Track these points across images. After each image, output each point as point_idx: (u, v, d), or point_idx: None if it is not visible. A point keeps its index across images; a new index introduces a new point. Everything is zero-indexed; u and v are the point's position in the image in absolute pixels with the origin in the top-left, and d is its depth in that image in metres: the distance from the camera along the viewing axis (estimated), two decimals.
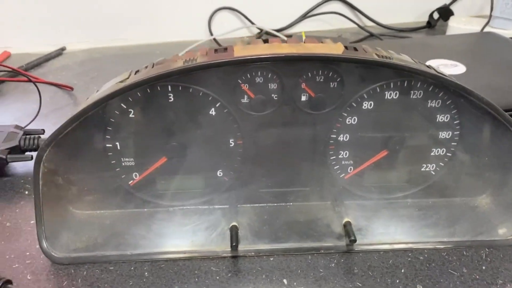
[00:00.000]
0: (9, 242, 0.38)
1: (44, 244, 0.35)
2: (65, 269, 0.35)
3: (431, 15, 0.91)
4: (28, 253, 0.37)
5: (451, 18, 0.86)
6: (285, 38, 0.39)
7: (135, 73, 0.36)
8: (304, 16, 0.88)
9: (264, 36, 0.82)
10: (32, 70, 0.71)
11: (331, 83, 0.36)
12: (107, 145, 0.37)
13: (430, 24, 0.90)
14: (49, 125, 0.54)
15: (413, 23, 0.92)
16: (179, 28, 0.83)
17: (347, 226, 0.37)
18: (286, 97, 0.36)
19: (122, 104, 0.36)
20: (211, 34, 0.82)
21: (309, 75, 0.35)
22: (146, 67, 0.37)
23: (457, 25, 0.82)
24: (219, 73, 0.35)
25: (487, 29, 0.79)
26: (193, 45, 0.78)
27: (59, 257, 0.36)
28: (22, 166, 0.47)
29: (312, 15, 0.88)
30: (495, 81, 0.53)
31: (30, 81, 0.54)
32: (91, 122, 0.35)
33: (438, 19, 0.91)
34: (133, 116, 0.36)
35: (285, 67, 0.35)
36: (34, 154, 0.46)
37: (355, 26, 0.89)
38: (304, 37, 0.54)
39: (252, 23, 0.85)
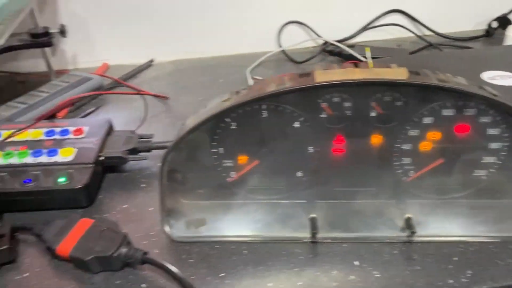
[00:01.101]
0: (137, 224, 0.48)
1: (166, 227, 0.46)
2: (182, 246, 0.45)
3: (489, 25, 0.94)
4: (152, 233, 0.47)
5: (509, 27, 0.89)
6: (369, 63, 0.46)
7: (236, 94, 0.46)
8: (365, 28, 0.95)
9: (330, 47, 0.89)
10: (129, 81, 0.82)
11: (397, 102, 0.43)
12: (213, 150, 0.47)
13: (489, 33, 0.94)
14: (151, 130, 0.65)
15: (471, 31, 0.96)
16: (251, 41, 0.92)
17: (408, 221, 0.45)
18: (358, 113, 0.44)
19: (226, 119, 0.45)
20: (280, 46, 0.91)
21: (378, 95, 0.43)
22: (245, 89, 0.46)
23: None
24: (304, 95, 0.43)
25: None
26: (263, 57, 0.88)
27: (177, 237, 0.46)
28: (135, 164, 0.58)
29: (373, 27, 0.95)
30: None
31: (138, 93, 0.65)
32: (203, 132, 0.45)
33: (497, 28, 0.94)
34: (235, 127, 0.45)
35: (358, 90, 0.43)
36: (147, 154, 0.57)
37: (414, 35, 0.95)
38: (368, 51, 0.62)
39: (318, 35, 0.93)
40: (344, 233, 0.45)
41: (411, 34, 0.95)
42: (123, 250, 0.42)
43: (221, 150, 0.47)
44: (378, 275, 0.41)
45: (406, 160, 0.46)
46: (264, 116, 0.45)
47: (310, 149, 0.46)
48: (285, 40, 0.92)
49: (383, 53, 0.83)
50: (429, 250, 0.43)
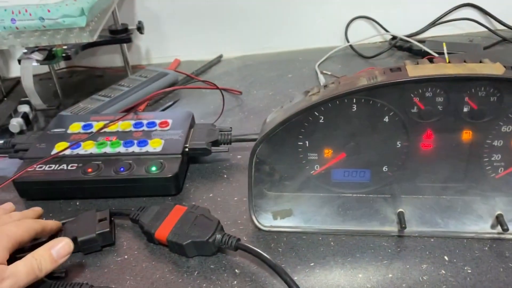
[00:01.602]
0: (224, 212, 0.50)
1: (253, 216, 0.47)
2: (270, 235, 0.47)
3: None
4: (239, 221, 0.49)
5: None
6: (446, 58, 0.46)
7: (324, 88, 0.47)
8: (435, 23, 0.93)
9: (399, 42, 0.88)
10: (200, 76, 0.85)
11: (491, 98, 0.43)
12: (299, 143, 0.48)
13: None
14: (227, 123, 0.67)
15: None
16: (318, 36, 0.93)
17: (499, 218, 0.44)
18: (451, 108, 0.44)
19: (315, 112, 0.46)
20: (348, 41, 0.91)
21: (473, 91, 0.43)
22: (333, 83, 0.47)
23: None
24: (396, 89, 0.44)
25: None
26: (331, 52, 0.88)
27: (265, 226, 0.48)
28: (216, 156, 0.60)
29: (443, 22, 0.93)
30: None
31: (216, 88, 0.67)
32: (291, 125, 0.46)
33: None
34: (323, 121, 0.46)
35: (452, 85, 0.43)
36: (228, 146, 0.59)
37: (486, 30, 0.92)
38: (445, 46, 0.61)
39: (386, 30, 0.92)
40: (432, 228, 0.45)
41: (483, 29, 0.92)
42: (218, 236, 0.44)
43: (307, 143, 0.48)
44: (470, 271, 0.41)
45: (496, 157, 0.46)
46: (353, 110, 0.45)
47: (398, 144, 0.47)
48: (352, 35, 0.92)
49: (456, 48, 0.81)
50: None
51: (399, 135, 0.46)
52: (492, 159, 0.46)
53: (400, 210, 0.46)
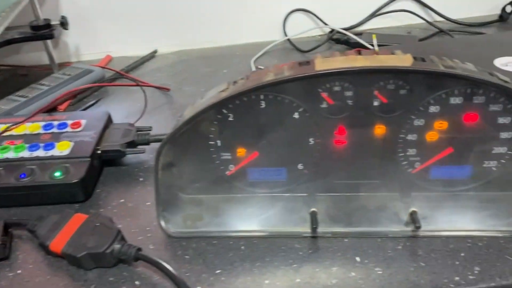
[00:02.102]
0: (133, 219, 0.47)
1: (162, 222, 0.45)
2: (178, 242, 0.44)
3: (503, 9, 0.91)
4: (148, 228, 0.46)
5: None
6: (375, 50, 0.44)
7: (233, 84, 0.44)
8: (373, 15, 0.92)
9: (336, 35, 0.86)
10: (131, 72, 0.81)
11: (401, 91, 0.41)
12: (210, 143, 0.45)
13: (502, 18, 0.91)
14: (151, 122, 0.64)
15: (484, 16, 0.93)
16: (257, 30, 0.90)
17: (413, 215, 0.43)
18: (361, 103, 0.42)
19: (223, 110, 0.43)
20: (286, 35, 0.88)
21: (381, 84, 0.41)
22: (242, 78, 0.44)
23: None
24: (303, 84, 0.41)
25: None
26: (268, 46, 0.86)
27: (174, 232, 0.45)
28: (134, 158, 0.57)
29: (382, 13, 0.92)
30: None
31: (137, 85, 0.63)
32: (199, 124, 0.43)
33: (511, 12, 0.91)
34: (232, 119, 0.44)
35: (360, 78, 0.41)
36: (146, 147, 0.56)
37: (424, 22, 0.91)
38: (374, 38, 0.59)
39: (324, 23, 0.90)
40: (346, 228, 0.44)
41: (421, 21, 0.92)
42: (116, 246, 0.40)
43: (218, 142, 0.45)
44: (380, 272, 0.40)
45: (411, 151, 0.44)
46: (262, 107, 0.43)
47: (311, 141, 0.44)
48: (290, 29, 0.90)
49: (392, 40, 0.80)
50: (434, 246, 0.41)
51: (310, 131, 0.44)
52: (408, 154, 0.44)
53: (313, 209, 0.44)
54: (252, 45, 0.89)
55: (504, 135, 0.42)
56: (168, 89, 0.73)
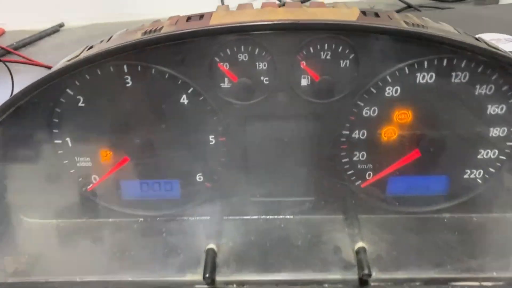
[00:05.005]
0: None
1: None
2: None
3: None
4: None
5: None
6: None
7: (88, 49, 0.28)
8: None
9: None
10: (24, 49, 0.64)
11: (341, 62, 0.26)
12: (56, 141, 0.29)
13: None
14: None
15: None
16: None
17: (360, 254, 0.28)
18: (281, 80, 0.27)
19: (68, 90, 0.28)
20: (222, 3, 0.73)
21: (311, 50, 0.26)
22: (102, 41, 0.28)
23: None
24: (190, 49, 0.26)
25: None
26: None
27: None
28: None
29: None
30: None
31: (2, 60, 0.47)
32: (29, 113, 0.27)
33: None
34: (83, 104, 0.28)
35: (278, 41, 0.26)
36: None
37: None
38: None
39: None
40: (259, 274, 0.28)
41: None
42: None
43: (68, 141, 0.29)
44: None
45: (360, 155, 0.30)
46: (128, 85, 0.28)
47: (211, 139, 0.29)
48: None
49: None
50: None
51: (209, 125, 0.29)
52: (355, 159, 0.30)
53: (210, 246, 0.28)
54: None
55: (495, 131, 0.28)
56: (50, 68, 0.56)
